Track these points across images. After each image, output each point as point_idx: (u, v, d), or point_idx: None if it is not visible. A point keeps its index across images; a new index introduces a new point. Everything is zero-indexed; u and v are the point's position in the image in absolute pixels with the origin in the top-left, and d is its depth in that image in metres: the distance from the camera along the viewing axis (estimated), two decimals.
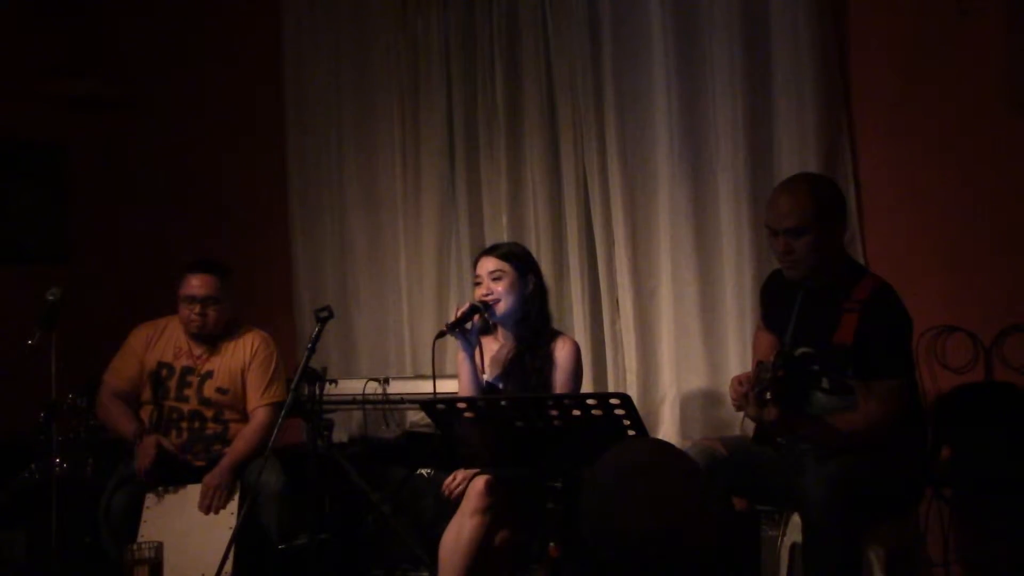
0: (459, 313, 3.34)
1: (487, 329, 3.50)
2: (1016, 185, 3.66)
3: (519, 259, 3.45)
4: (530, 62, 4.51)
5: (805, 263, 2.96)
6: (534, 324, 3.42)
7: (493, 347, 3.50)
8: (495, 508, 3.16)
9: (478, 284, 3.44)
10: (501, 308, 3.39)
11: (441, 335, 3.35)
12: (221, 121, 5.36)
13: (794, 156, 3.93)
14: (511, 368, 3.41)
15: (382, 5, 4.86)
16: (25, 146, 5.24)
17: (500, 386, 3.42)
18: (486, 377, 3.45)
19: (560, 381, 3.35)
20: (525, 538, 3.25)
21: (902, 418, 2.90)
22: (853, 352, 2.86)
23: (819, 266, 2.97)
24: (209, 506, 3.68)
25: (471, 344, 3.37)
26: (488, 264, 3.43)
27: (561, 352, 3.38)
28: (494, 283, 3.39)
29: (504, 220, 4.55)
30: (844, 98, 3.91)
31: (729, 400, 3.06)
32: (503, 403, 2.90)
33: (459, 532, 3.17)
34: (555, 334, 3.45)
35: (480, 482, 3.19)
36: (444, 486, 3.34)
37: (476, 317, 3.36)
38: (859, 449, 2.91)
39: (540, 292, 3.46)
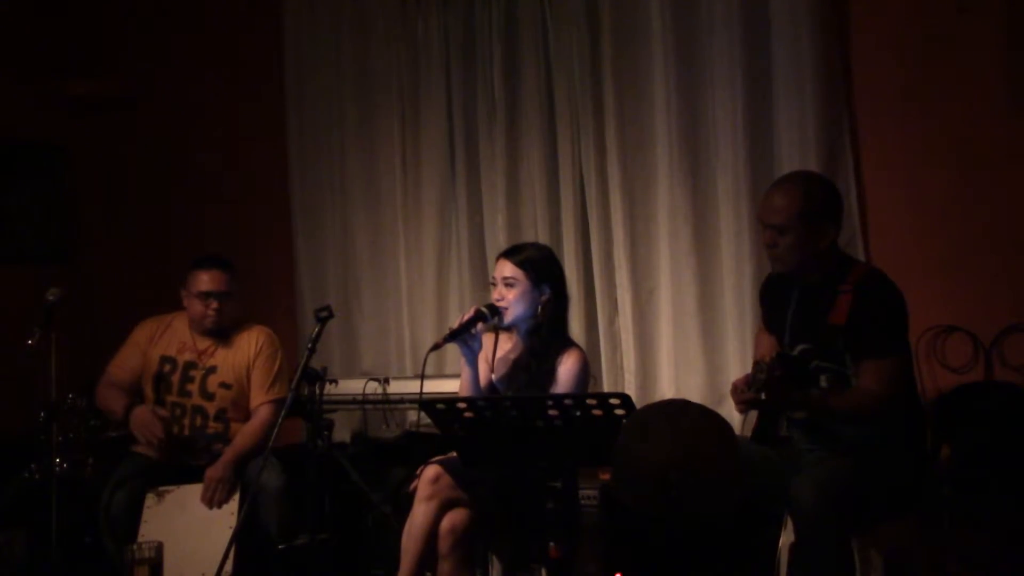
0: (461, 321, 3.30)
1: (507, 327, 3.46)
2: (1016, 185, 3.66)
3: (535, 267, 3.37)
4: (529, 62, 4.51)
5: (786, 260, 3.01)
6: (544, 336, 3.37)
7: (506, 346, 3.48)
8: (442, 494, 3.23)
9: (493, 285, 3.41)
10: (509, 316, 3.35)
11: (437, 347, 3.34)
12: (222, 121, 5.36)
13: (794, 156, 3.92)
14: (514, 375, 3.40)
15: (382, 5, 4.86)
16: (25, 146, 5.24)
17: (502, 388, 3.41)
18: (494, 376, 3.44)
19: None
20: (487, 528, 3.27)
21: (894, 398, 2.90)
22: (847, 332, 2.88)
23: (802, 264, 3.00)
24: (211, 499, 3.69)
25: (472, 351, 3.34)
26: (504, 269, 3.37)
27: (563, 367, 3.33)
28: (506, 289, 3.35)
29: (501, 220, 4.54)
30: (845, 98, 3.91)
31: (729, 400, 3.06)
32: (501, 404, 2.91)
33: (412, 520, 3.24)
34: (564, 347, 3.38)
35: (429, 471, 3.26)
36: (409, 490, 3.36)
37: (480, 324, 3.32)
38: (858, 447, 2.92)
39: (556, 302, 3.38)
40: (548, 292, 3.37)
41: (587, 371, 3.39)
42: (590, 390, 3.48)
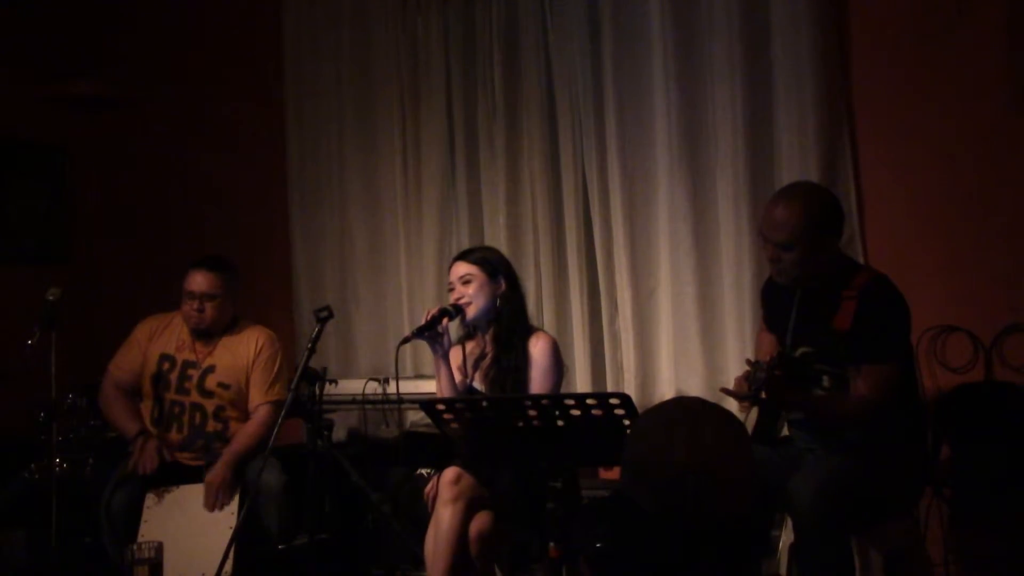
0: (426, 318, 3.36)
1: (471, 334, 3.53)
2: (1016, 185, 3.66)
3: (488, 262, 3.48)
4: (530, 61, 4.51)
5: (791, 273, 3.00)
6: (507, 324, 3.43)
7: (475, 351, 3.52)
8: (466, 495, 3.21)
9: (451, 290, 3.48)
10: (472, 311, 3.43)
11: (405, 341, 3.39)
12: (221, 121, 5.36)
13: (794, 156, 3.93)
14: (489, 370, 3.43)
15: (382, 4, 4.86)
16: (25, 146, 5.24)
17: (480, 389, 3.43)
18: (469, 381, 3.47)
19: (536, 378, 3.37)
20: (508, 526, 3.25)
21: (891, 405, 2.90)
22: (850, 338, 2.87)
23: (806, 275, 2.99)
24: (213, 504, 3.69)
25: (443, 348, 3.39)
26: (458, 269, 3.48)
27: (535, 348, 3.40)
28: (464, 287, 3.44)
29: (501, 220, 4.55)
30: (844, 98, 3.91)
31: (729, 399, 3.06)
32: (501, 404, 2.90)
33: (437, 525, 3.20)
34: (530, 331, 3.47)
35: (448, 473, 3.24)
36: (425, 493, 3.35)
37: (445, 321, 3.38)
38: (858, 447, 2.92)
39: (513, 292, 3.48)
40: (504, 283, 3.46)
41: (559, 353, 3.46)
42: (563, 380, 3.52)
